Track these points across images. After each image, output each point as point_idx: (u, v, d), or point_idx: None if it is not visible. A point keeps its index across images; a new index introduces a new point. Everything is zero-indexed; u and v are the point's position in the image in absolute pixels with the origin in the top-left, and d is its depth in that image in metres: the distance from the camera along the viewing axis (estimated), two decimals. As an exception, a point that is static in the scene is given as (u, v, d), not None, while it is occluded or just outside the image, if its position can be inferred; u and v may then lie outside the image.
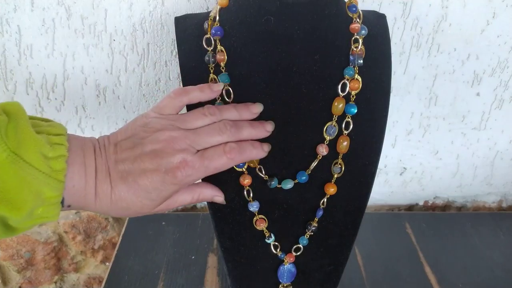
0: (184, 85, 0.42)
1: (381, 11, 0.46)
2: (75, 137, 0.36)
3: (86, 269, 0.83)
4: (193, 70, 0.41)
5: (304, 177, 0.41)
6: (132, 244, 0.65)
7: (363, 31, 0.40)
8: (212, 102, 0.40)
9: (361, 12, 0.40)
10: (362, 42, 0.40)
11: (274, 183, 0.41)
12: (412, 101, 0.64)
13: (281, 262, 0.46)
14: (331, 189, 0.42)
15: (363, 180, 0.43)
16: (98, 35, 0.56)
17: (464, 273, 0.60)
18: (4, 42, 0.55)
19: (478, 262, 0.62)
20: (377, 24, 0.42)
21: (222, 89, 0.40)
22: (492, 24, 0.57)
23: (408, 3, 0.55)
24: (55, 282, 0.83)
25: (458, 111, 0.65)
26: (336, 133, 0.40)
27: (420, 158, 0.70)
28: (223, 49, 0.40)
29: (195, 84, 0.40)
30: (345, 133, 0.41)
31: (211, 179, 0.40)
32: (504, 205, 0.78)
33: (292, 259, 0.45)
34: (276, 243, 0.44)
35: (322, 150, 0.40)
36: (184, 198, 0.39)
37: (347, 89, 0.40)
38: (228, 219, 0.43)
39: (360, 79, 0.40)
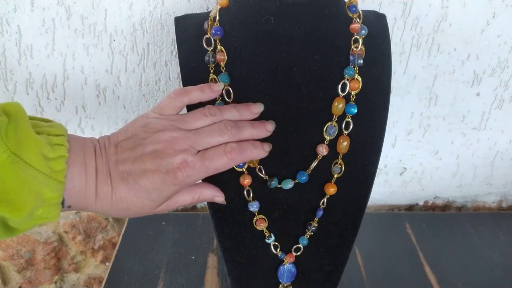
0: (184, 85, 0.42)
1: (381, 11, 0.46)
2: (76, 138, 0.36)
3: (86, 269, 0.83)
4: (193, 70, 0.41)
5: (304, 177, 0.41)
6: (132, 244, 0.65)
7: (363, 31, 0.40)
8: (212, 102, 0.40)
9: (361, 12, 0.40)
10: (362, 42, 0.40)
11: (274, 183, 0.41)
12: (412, 101, 0.64)
13: (281, 262, 0.46)
14: (331, 189, 0.42)
15: (363, 180, 0.43)
16: (98, 35, 0.56)
17: (464, 273, 0.60)
18: (4, 42, 0.55)
19: (478, 262, 0.62)
20: (377, 24, 0.42)
21: (222, 89, 0.40)
22: (492, 24, 0.57)
23: (408, 3, 0.55)
24: (55, 282, 0.83)
25: (458, 111, 0.65)
26: (336, 133, 0.40)
27: (420, 158, 0.70)
28: (223, 49, 0.40)
29: (195, 84, 0.40)
30: (345, 133, 0.41)
31: (211, 179, 0.40)
32: (504, 205, 0.78)
33: (292, 259, 0.45)
34: (276, 243, 0.44)
35: (322, 150, 0.40)
36: (185, 199, 0.39)
37: (347, 89, 0.40)
38: (228, 219, 0.43)
39: (360, 79, 0.40)
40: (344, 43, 0.40)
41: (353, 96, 0.40)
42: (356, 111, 0.40)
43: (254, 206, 0.42)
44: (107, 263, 0.81)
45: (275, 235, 0.44)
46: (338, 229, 0.45)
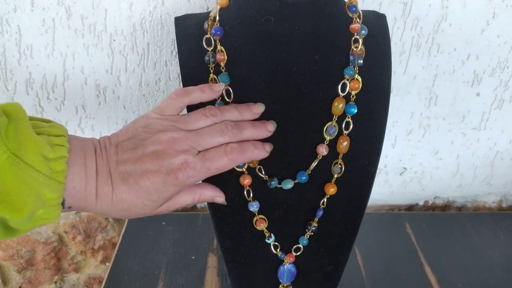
0: (184, 85, 0.42)
1: (381, 11, 0.46)
2: (76, 138, 0.36)
3: (86, 269, 0.83)
4: (193, 70, 0.41)
5: (304, 177, 0.41)
6: (132, 244, 0.65)
7: (363, 31, 0.40)
8: (212, 102, 0.40)
9: (361, 12, 0.40)
10: (362, 42, 0.40)
11: (274, 183, 0.41)
12: (412, 101, 0.64)
13: (281, 262, 0.46)
14: (331, 189, 0.42)
15: (363, 180, 0.43)
16: (98, 35, 0.56)
17: (464, 273, 0.60)
18: (4, 42, 0.55)
19: (478, 262, 0.62)
20: (377, 24, 0.42)
21: (223, 89, 0.40)
22: (492, 24, 0.57)
23: (408, 3, 0.55)
24: (55, 282, 0.83)
25: (458, 111, 0.65)
26: (336, 133, 0.40)
27: (420, 158, 0.70)
28: (223, 49, 0.40)
29: (195, 84, 0.40)
30: (345, 133, 0.41)
31: (211, 179, 0.40)
32: (504, 205, 0.78)
33: (292, 259, 0.45)
34: (276, 243, 0.44)
35: (322, 150, 0.40)
36: (185, 199, 0.39)
37: (347, 89, 0.40)
38: (228, 219, 0.43)
39: (360, 79, 0.40)
40: (344, 43, 0.40)
41: (353, 96, 0.40)
42: (356, 111, 0.40)
43: (254, 206, 0.42)
44: (107, 263, 0.81)
45: (275, 235, 0.44)
46: (338, 229, 0.45)
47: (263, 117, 0.40)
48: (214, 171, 0.36)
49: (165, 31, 0.56)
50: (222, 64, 0.40)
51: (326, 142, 0.41)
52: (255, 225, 0.43)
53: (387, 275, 0.60)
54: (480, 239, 0.66)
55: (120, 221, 0.77)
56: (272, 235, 0.44)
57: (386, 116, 0.42)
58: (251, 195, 0.42)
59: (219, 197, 0.41)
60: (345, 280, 0.55)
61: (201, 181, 0.41)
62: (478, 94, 0.64)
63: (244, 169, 0.41)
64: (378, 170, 0.48)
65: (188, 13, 0.48)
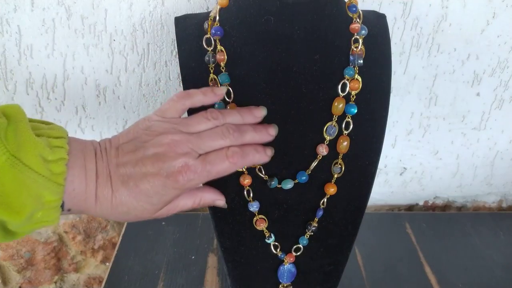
0: (184, 85, 0.42)
1: (381, 11, 0.46)
2: (76, 140, 0.36)
3: (86, 269, 0.83)
4: (193, 70, 0.41)
5: (304, 177, 0.41)
6: (132, 244, 0.65)
7: (363, 31, 0.40)
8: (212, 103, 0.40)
9: (361, 12, 0.40)
10: (362, 42, 0.40)
11: (274, 183, 0.41)
12: (412, 101, 0.64)
13: (281, 262, 0.46)
14: (331, 189, 0.42)
15: (363, 180, 0.43)
16: (98, 35, 0.56)
17: (464, 273, 0.60)
18: (4, 42, 0.55)
19: (478, 262, 0.62)
20: (377, 24, 0.42)
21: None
22: (492, 24, 0.57)
23: (408, 3, 0.55)
24: (55, 282, 0.83)
25: (458, 111, 0.65)
26: (336, 133, 0.40)
27: (420, 158, 0.70)
28: (223, 49, 0.40)
29: (195, 84, 0.40)
30: (345, 133, 0.41)
31: (211, 180, 0.40)
32: (504, 205, 0.78)
33: (292, 259, 0.45)
34: (276, 243, 0.44)
35: (322, 150, 0.40)
36: (185, 203, 0.39)
37: (347, 89, 0.40)
38: (228, 219, 0.43)
39: (360, 79, 0.40)
40: (344, 43, 0.40)
41: (353, 96, 0.40)
42: (356, 111, 0.40)
43: (254, 206, 0.42)
44: (107, 263, 0.81)
45: (275, 235, 0.44)
46: (338, 229, 0.45)
47: (264, 117, 0.40)
48: (215, 175, 0.36)
49: (165, 31, 0.56)
50: (222, 64, 0.40)
51: (326, 142, 0.41)
52: (255, 225, 0.43)
53: (387, 275, 0.60)
54: (480, 239, 0.66)
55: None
56: (272, 235, 0.44)
57: (386, 116, 0.42)
58: (251, 195, 0.42)
59: (220, 201, 0.41)
60: (345, 280, 0.55)
61: (201, 185, 0.40)
62: (478, 94, 0.64)
63: (244, 169, 0.41)
64: (378, 170, 0.48)
65: (188, 13, 0.48)
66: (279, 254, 0.45)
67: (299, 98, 0.40)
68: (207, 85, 0.41)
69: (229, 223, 0.44)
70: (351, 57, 0.40)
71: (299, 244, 0.45)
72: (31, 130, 0.31)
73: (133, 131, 0.37)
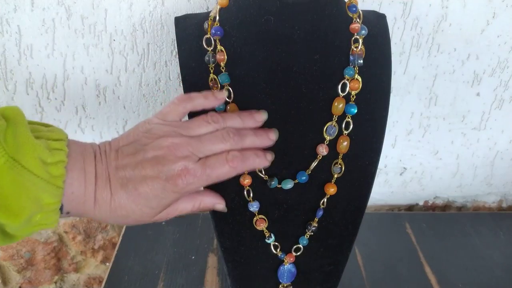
0: (184, 85, 0.42)
1: (381, 11, 0.46)
2: (75, 143, 0.35)
3: (86, 269, 0.83)
4: (193, 70, 0.41)
5: (304, 177, 0.41)
6: (132, 244, 0.65)
7: (363, 31, 0.40)
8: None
9: (361, 12, 0.40)
10: (362, 42, 0.40)
11: (274, 183, 0.41)
12: (412, 101, 0.64)
13: (281, 262, 0.46)
14: (331, 189, 0.42)
15: (363, 180, 0.43)
16: (98, 35, 0.56)
17: (464, 273, 0.60)
18: (4, 42, 0.55)
19: (478, 262, 0.62)
20: (377, 24, 0.42)
21: (223, 90, 0.40)
22: (492, 24, 0.57)
23: (408, 3, 0.55)
24: (55, 282, 0.83)
25: (458, 111, 0.65)
26: (336, 133, 0.40)
27: (420, 158, 0.70)
28: (223, 49, 0.40)
29: (195, 84, 0.40)
30: (345, 133, 0.41)
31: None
32: (504, 205, 0.78)
33: (292, 259, 0.45)
34: (276, 243, 0.44)
35: (322, 150, 0.40)
36: (185, 207, 0.38)
37: (347, 89, 0.40)
38: (228, 219, 0.43)
39: (360, 79, 0.40)
40: (344, 43, 0.40)
41: (353, 96, 0.40)
42: (356, 111, 0.40)
43: (254, 206, 0.42)
44: (107, 263, 0.81)
45: (275, 235, 0.44)
46: (338, 229, 0.45)
47: (263, 117, 0.40)
48: (214, 179, 0.36)
49: (165, 31, 0.56)
50: (222, 64, 0.40)
51: (326, 142, 0.41)
52: (255, 225, 0.43)
53: (387, 275, 0.60)
54: (480, 239, 0.66)
55: (120, 221, 0.77)
56: (272, 235, 0.44)
57: (386, 116, 0.42)
58: (251, 195, 0.42)
59: (220, 204, 0.41)
60: (345, 280, 0.55)
61: (202, 188, 0.40)
62: (478, 94, 0.64)
63: (244, 169, 0.41)
64: (378, 170, 0.48)
65: (188, 13, 0.48)
66: (279, 254, 0.45)
67: (299, 98, 0.40)
68: (207, 85, 0.41)
69: (229, 223, 0.44)
70: (351, 57, 0.40)
71: (299, 244, 0.45)
72: (30, 133, 0.31)
73: (133, 134, 0.37)
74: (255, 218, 0.43)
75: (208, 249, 0.64)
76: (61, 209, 0.33)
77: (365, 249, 0.64)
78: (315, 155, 0.41)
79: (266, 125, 0.40)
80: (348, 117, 0.40)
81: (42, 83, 0.59)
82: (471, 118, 0.66)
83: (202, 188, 0.41)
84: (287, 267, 0.46)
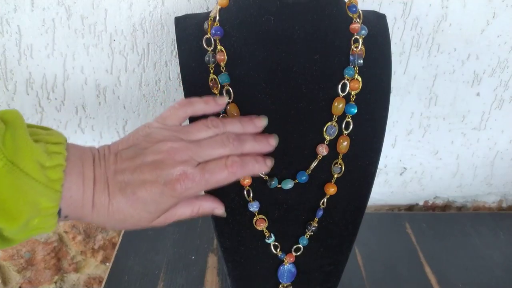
0: (184, 85, 0.42)
1: (381, 11, 0.46)
2: (74, 146, 0.35)
3: (86, 269, 0.83)
4: (193, 70, 0.41)
5: (304, 177, 0.41)
6: (132, 244, 0.65)
7: (363, 31, 0.40)
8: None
9: (361, 12, 0.40)
10: (362, 42, 0.40)
11: (274, 183, 0.41)
12: (412, 101, 0.64)
13: (281, 262, 0.46)
14: (331, 189, 0.42)
15: (363, 180, 0.43)
16: (98, 35, 0.56)
17: (464, 273, 0.60)
18: (4, 42, 0.55)
19: (478, 262, 0.62)
20: (377, 24, 0.42)
21: (223, 90, 0.40)
22: (492, 24, 0.57)
23: (408, 3, 0.55)
24: (55, 282, 0.83)
25: (458, 111, 0.65)
26: (336, 133, 0.40)
27: (420, 158, 0.70)
28: (223, 49, 0.40)
29: (195, 84, 0.40)
30: (345, 133, 0.41)
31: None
32: (504, 205, 0.78)
33: (292, 259, 0.45)
34: (276, 243, 0.44)
35: (322, 150, 0.40)
36: (183, 212, 0.38)
37: (347, 89, 0.40)
38: (228, 219, 0.43)
39: (360, 79, 0.40)
40: (344, 43, 0.40)
41: (353, 96, 0.40)
42: (356, 111, 0.40)
43: (254, 206, 0.42)
44: (107, 263, 0.81)
45: (275, 235, 0.44)
46: (338, 229, 0.45)
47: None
48: (213, 184, 0.36)
49: (165, 31, 0.56)
50: (222, 64, 0.40)
51: (326, 142, 0.41)
52: (255, 225, 0.43)
53: (387, 275, 0.60)
54: (480, 239, 0.66)
55: (120, 221, 0.77)
56: (272, 235, 0.44)
57: (386, 116, 0.42)
58: (251, 195, 0.42)
59: (219, 209, 0.40)
60: (345, 280, 0.55)
61: (203, 192, 0.40)
62: (478, 94, 0.64)
63: (244, 169, 0.41)
64: (378, 170, 0.48)
65: (188, 13, 0.48)
66: (279, 254, 0.45)
67: (299, 98, 0.40)
68: (207, 85, 0.41)
69: (229, 223, 0.44)
70: (351, 57, 0.40)
71: (299, 244, 0.45)
72: (29, 136, 0.31)
73: (133, 138, 0.37)
74: (255, 218, 0.43)
75: (208, 249, 0.64)
76: (59, 213, 0.32)
77: (365, 249, 0.64)
78: (315, 155, 0.41)
79: (266, 125, 0.40)
80: (348, 117, 0.40)
81: (42, 83, 0.59)
82: (471, 118, 0.66)
83: (203, 192, 0.40)
84: (287, 267, 0.46)
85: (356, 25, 0.39)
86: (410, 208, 0.78)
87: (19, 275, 0.80)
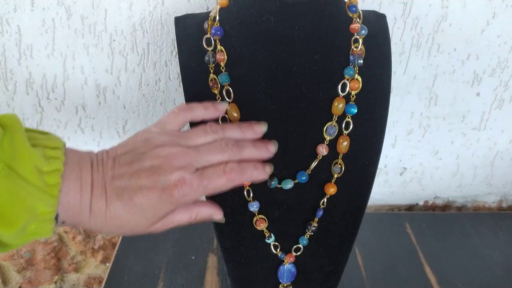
0: (184, 85, 0.42)
1: (381, 11, 0.46)
2: (73, 151, 0.35)
3: (86, 269, 0.83)
4: (193, 70, 0.41)
5: (304, 177, 0.41)
6: (132, 244, 0.65)
7: (363, 31, 0.40)
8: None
9: (361, 12, 0.40)
10: (362, 42, 0.40)
11: (274, 183, 0.41)
12: (412, 101, 0.64)
13: (281, 262, 0.46)
14: (331, 189, 0.42)
15: (363, 180, 0.43)
16: (98, 35, 0.56)
17: (464, 273, 0.60)
18: (4, 42, 0.55)
19: (478, 262, 0.62)
20: (377, 24, 0.42)
21: (223, 90, 0.40)
22: (492, 24, 0.57)
23: (408, 3, 0.55)
24: (55, 282, 0.83)
25: (458, 111, 0.65)
26: (336, 133, 0.40)
27: (420, 158, 0.70)
28: (223, 49, 0.40)
29: (195, 84, 0.40)
30: (345, 133, 0.41)
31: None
32: (504, 205, 0.78)
33: (292, 259, 0.45)
34: (276, 243, 0.44)
35: (322, 150, 0.40)
36: (181, 218, 0.38)
37: (347, 89, 0.40)
38: (228, 219, 0.43)
39: (360, 79, 0.40)
40: (344, 43, 0.40)
41: (353, 96, 0.40)
42: (356, 111, 0.40)
43: (254, 206, 0.42)
44: (107, 263, 0.81)
45: (275, 235, 0.44)
46: (338, 229, 0.45)
47: (264, 117, 0.40)
48: (211, 190, 0.35)
49: (165, 31, 0.56)
50: (222, 64, 0.40)
51: (326, 142, 0.41)
52: (255, 225, 0.43)
53: (387, 275, 0.60)
54: (480, 239, 0.66)
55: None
56: (272, 235, 0.44)
57: (386, 116, 0.42)
58: (251, 195, 0.42)
59: (217, 215, 0.40)
60: (345, 280, 0.55)
61: (204, 197, 0.40)
62: (478, 94, 0.64)
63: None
64: (378, 170, 0.48)
65: (188, 13, 0.48)
66: (279, 254, 0.45)
67: (299, 98, 0.40)
68: (207, 85, 0.41)
69: (229, 223, 0.44)
70: (351, 57, 0.40)
71: (299, 244, 0.45)
72: (27, 140, 0.30)
73: (132, 142, 0.36)
74: (255, 218, 0.43)
75: (208, 249, 0.64)
76: (56, 218, 0.32)
77: (365, 249, 0.64)
78: (315, 155, 0.41)
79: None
80: (348, 117, 0.40)
81: (42, 83, 0.59)
82: (471, 118, 0.66)
83: (204, 197, 0.40)
84: (287, 267, 0.46)
85: (356, 25, 0.39)
86: (410, 208, 0.78)
87: (19, 275, 0.80)
